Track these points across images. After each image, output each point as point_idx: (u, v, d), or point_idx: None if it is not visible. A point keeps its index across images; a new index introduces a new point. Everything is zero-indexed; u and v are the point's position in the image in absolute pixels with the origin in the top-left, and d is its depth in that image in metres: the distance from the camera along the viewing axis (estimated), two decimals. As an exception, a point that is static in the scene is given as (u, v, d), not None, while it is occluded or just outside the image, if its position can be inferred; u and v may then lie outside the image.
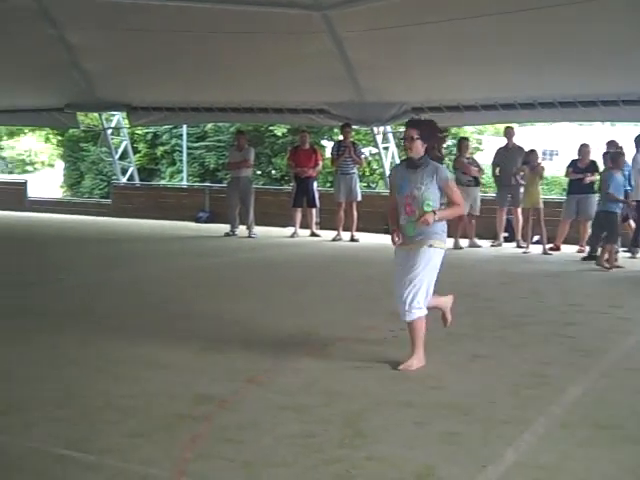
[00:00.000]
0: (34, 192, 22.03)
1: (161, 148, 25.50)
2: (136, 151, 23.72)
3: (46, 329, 7.15)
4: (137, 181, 21.04)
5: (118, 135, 20.93)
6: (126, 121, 20.08)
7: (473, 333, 7.10)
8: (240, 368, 5.87)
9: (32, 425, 4.61)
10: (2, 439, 4.38)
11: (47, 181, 30.32)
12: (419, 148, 5.58)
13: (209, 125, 24.21)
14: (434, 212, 5.54)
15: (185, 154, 24.17)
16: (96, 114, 21.35)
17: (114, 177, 21.60)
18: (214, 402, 5.05)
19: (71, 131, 26.48)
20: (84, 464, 4.04)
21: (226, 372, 5.76)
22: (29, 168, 36.22)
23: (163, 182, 24.56)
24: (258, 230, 15.12)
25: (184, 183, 23.43)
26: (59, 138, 30.61)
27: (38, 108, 19.57)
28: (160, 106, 18.23)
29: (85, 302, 8.64)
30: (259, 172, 21.99)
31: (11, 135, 35.13)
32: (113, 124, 20.57)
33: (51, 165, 36.34)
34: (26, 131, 33.91)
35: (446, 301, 6.32)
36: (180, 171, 24.71)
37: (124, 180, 20.63)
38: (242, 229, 15.17)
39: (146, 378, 5.61)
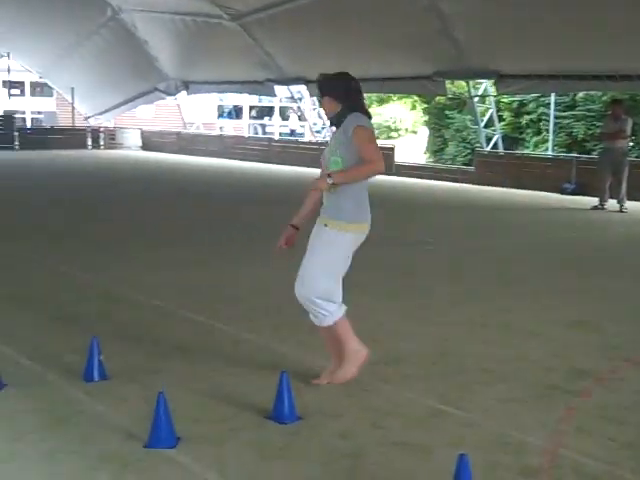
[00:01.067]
0: (400, 157, 22.84)
1: (526, 117, 25.00)
2: (501, 119, 23.55)
3: (413, 286, 7.41)
4: (501, 149, 20.92)
5: (484, 103, 20.92)
6: (493, 89, 19.99)
7: None
8: (616, 346, 5.57)
9: (409, 377, 4.78)
10: (385, 387, 4.59)
11: (410, 147, 31.36)
12: (331, 106, 4.51)
13: (580, 94, 23.26)
14: (329, 174, 4.34)
15: (552, 123, 23.46)
16: (463, 82, 21.51)
17: (477, 145, 21.67)
18: (590, 378, 4.84)
19: (437, 98, 27.00)
20: (460, 421, 4.09)
21: (600, 348, 5.50)
22: (393, 134, 37.71)
23: (527, 151, 24.12)
24: (630, 205, 14.24)
25: (549, 153, 22.81)
26: (425, 105, 31.45)
27: (407, 76, 20.19)
28: (529, 74, 17.82)
29: (452, 267, 8.78)
30: (632, 144, 20.64)
31: (380, 102, 36.85)
32: (480, 92, 20.60)
33: (414, 132, 37.50)
34: (394, 98, 35.35)
35: (354, 349, 4.60)
36: (545, 141, 24.04)
37: (488, 148, 20.62)
38: (612, 203, 14.38)
39: (515, 345, 5.55)
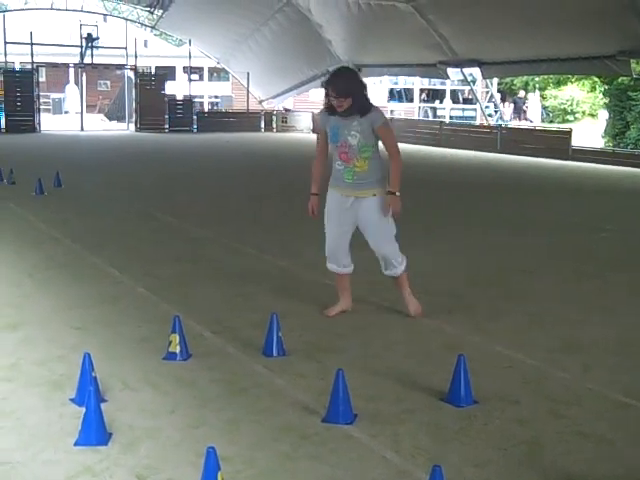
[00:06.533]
0: (576, 141, 21.97)
1: None
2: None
3: (587, 273, 7.14)
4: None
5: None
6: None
7: None
8: None
9: (589, 367, 4.62)
10: (564, 376, 4.46)
11: (588, 131, 30.08)
12: (347, 102, 5.15)
13: None
14: (394, 192, 5.26)
15: None
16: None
17: (662, 128, 20.44)
18: None
19: (620, 79, 25.72)
20: (646, 415, 3.92)
21: None
22: (569, 117, 36.34)
23: None
24: None
25: None
26: (606, 87, 30.04)
27: (588, 56, 19.35)
28: None
29: (630, 254, 8.38)
30: None
31: (557, 84, 35.56)
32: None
33: (592, 115, 35.95)
34: (572, 80, 34.00)
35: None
36: None
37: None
38: None
39: None
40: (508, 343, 5.00)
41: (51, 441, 3.51)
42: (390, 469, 3.34)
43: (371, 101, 5.23)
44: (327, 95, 5.16)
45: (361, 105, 5.13)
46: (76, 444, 3.46)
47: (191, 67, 30.13)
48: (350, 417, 3.77)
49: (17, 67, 29.76)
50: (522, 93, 35.13)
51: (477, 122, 29.32)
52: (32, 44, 25.77)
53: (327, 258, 5.53)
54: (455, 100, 35.83)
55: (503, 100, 34.36)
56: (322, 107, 5.32)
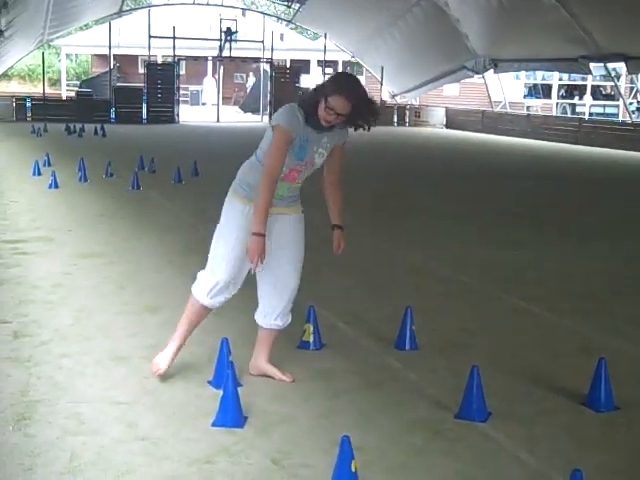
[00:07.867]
0: None
1: None
2: None
3: None
4: None
5: None
6: None
7: None
8: None
9: None
10: None
11: None
12: None
13: None
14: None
15: None
16: None
17: None
18: None
19: None
20: None
21: None
22: None
23: None
24: None
25: None
26: None
27: None
28: None
29: None
30: None
31: None
32: None
33: None
34: None
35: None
36: None
37: None
38: None
39: None
40: (652, 349, 4.81)
41: (189, 420, 3.61)
42: (526, 470, 3.26)
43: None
44: (325, 106, 3.84)
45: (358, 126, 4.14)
46: (213, 425, 3.55)
47: (326, 60, 30.38)
48: (484, 415, 3.71)
49: (159, 60, 30.85)
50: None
51: (619, 119, 28.22)
52: (174, 38, 26.61)
53: (214, 288, 4.18)
54: (595, 96, 34.58)
55: (647, 96, 32.88)
56: (298, 108, 3.92)
